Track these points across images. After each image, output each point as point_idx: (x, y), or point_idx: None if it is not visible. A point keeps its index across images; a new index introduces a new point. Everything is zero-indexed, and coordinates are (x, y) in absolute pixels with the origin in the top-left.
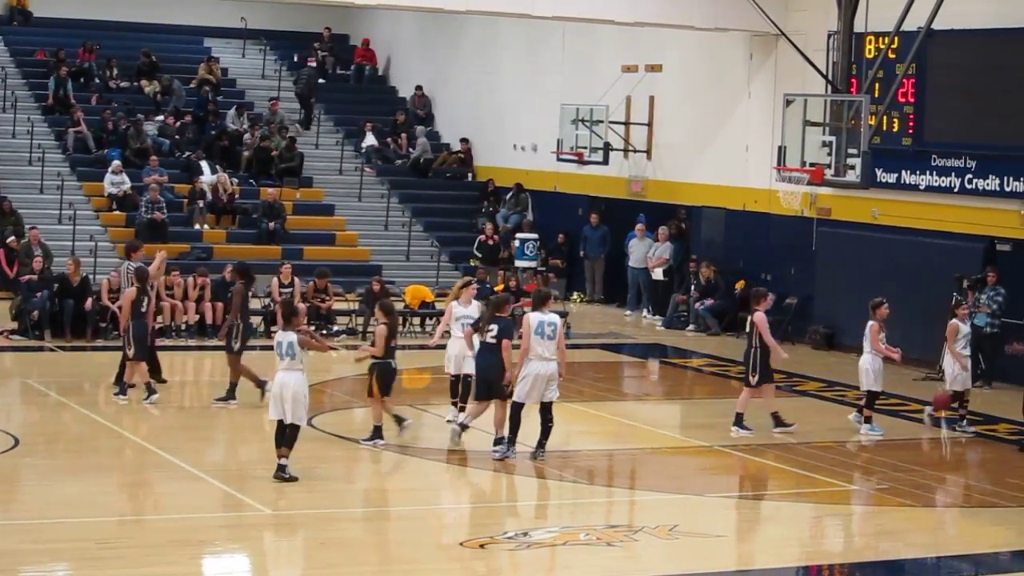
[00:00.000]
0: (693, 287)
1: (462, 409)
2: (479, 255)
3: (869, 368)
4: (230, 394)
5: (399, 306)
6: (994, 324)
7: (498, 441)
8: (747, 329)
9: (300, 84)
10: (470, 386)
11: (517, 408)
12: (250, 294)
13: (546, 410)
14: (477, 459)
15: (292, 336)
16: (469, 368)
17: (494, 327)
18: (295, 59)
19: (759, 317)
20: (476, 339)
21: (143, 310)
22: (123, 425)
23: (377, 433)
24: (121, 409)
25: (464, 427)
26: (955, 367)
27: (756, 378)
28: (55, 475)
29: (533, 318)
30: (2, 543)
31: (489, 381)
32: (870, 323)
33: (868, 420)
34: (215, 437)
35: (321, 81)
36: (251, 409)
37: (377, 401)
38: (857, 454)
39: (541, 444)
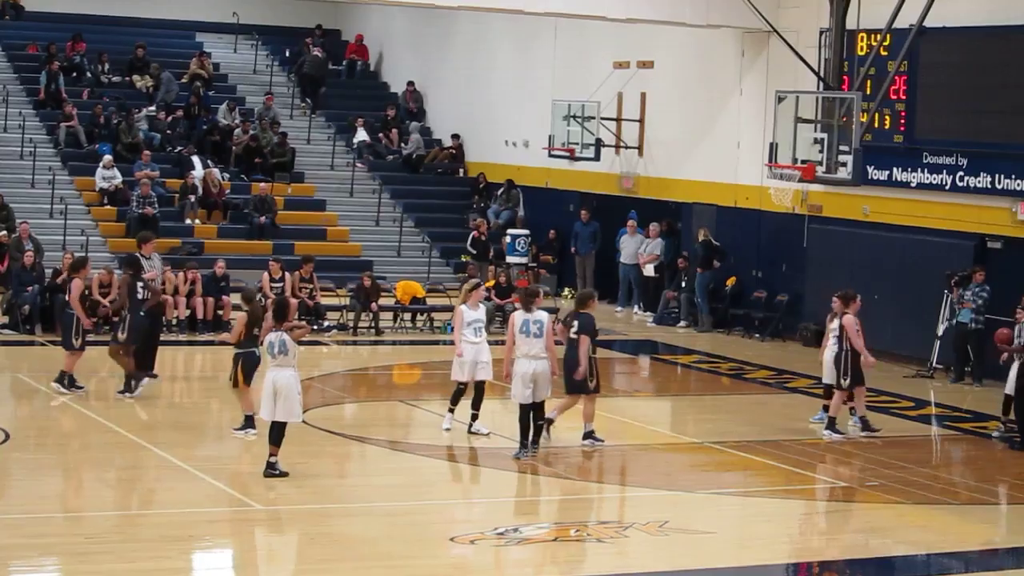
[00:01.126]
0: (687, 256)
1: (475, 417)
2: (473, 251)
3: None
4: (128, 387)
5: (390, 302)
6: (978, 320)
7: (587, 435)
8: (835, 332)
9: (307, 66)
10: (483, 392)
11: (525, 412)
12: (139, 285)
13: (537, 408)
14: (468, 455)
15: (284, 335)
16: (483, 375)
17: (576, 323)
18: (287, 54)
19: (848, 320)
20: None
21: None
22: (113, 420)
23: (248, 423)
24: (111, 403)
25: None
26: None
27: (848, 381)
28: (45, 469)
29: (518, 316)
30: None
31: (570, 374)
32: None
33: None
34: (206, 432)
35: (321, 90)
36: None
37: (243, 390)
38: (847, 451)
39: (535, 442)
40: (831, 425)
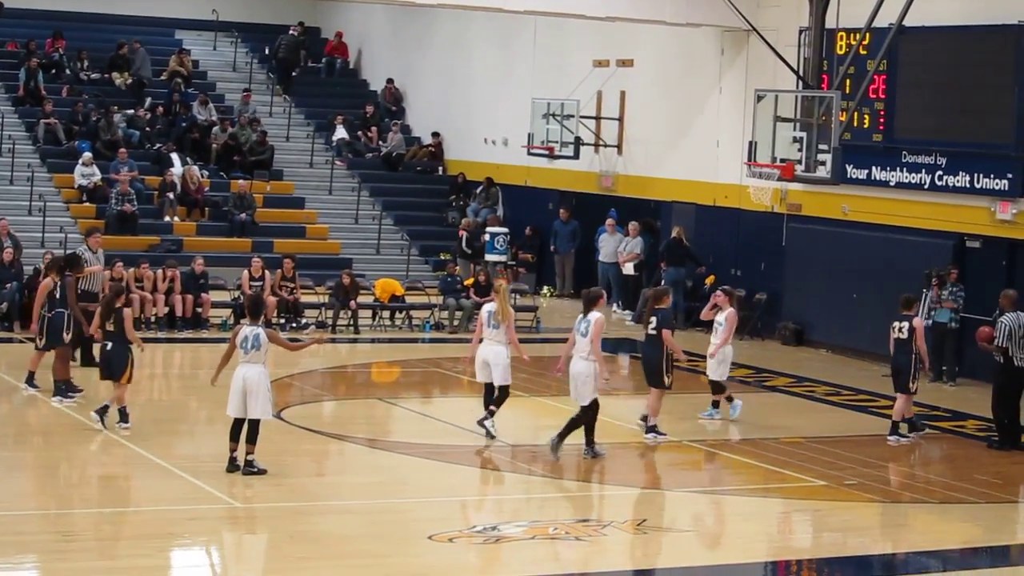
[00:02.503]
0: (661, 249)
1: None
2: (468, 251)
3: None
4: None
5: (369, 300)
6: (955, 320)
7: (650, 429)
8: (903, 335)
9: (283, 50)
10: (494, 392)
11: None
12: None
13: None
14: (445, 453)
15: (259, 329)
16: (492, 377)
17: (653, 319)
18: (266, 52)
19: (920, 323)
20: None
21: (58, 297)
22: (91, 417)
23: (122, 416)
24: (89, 401)
25: (645, 419)
26: None
27: (915, 385)
28: (23, 467)
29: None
30: None
31: (652, 371)
32: (730, 311)
33: (716, 405)
34: (184, 430)
35: (293, 74)
36: (220, 401)
37: (123, 384)
38: (825, 450)
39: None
40: (895, 430)
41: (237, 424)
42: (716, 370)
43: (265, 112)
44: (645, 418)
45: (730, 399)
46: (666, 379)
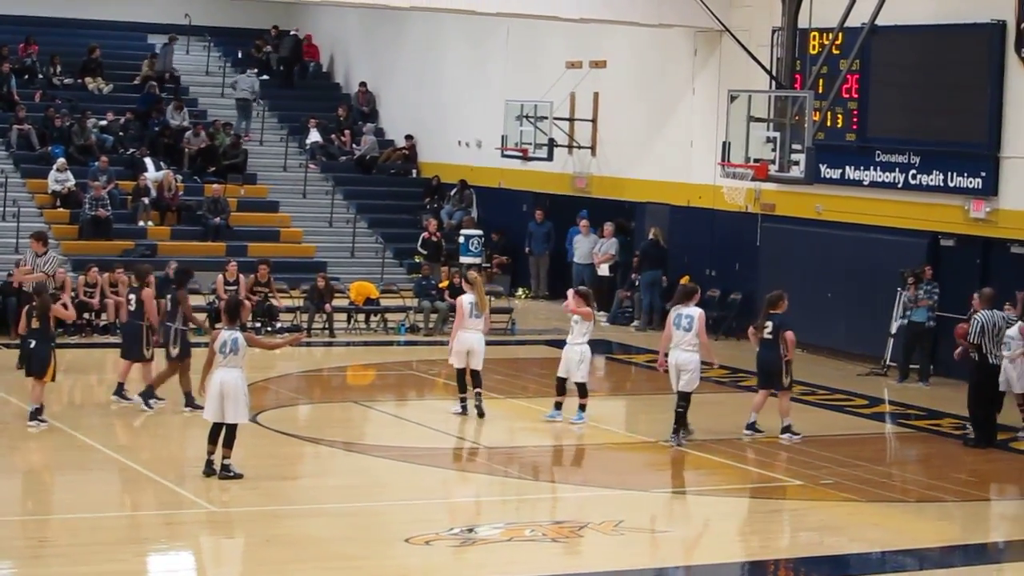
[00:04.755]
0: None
1: (464, 400)
2: (423, 252)
3: (586, 359)
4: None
5: (344, 303)
6: (931, 319)
7: (785, 429)
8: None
9: (283, 50)
10: (479, 376)
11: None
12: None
13: (681, 397)
14: (421, 455)
15: (236, 333)
16: (472, 363)
17: (769, 324)
18: (239, 55)
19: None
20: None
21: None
22: (66, 422)
23: (37, 413)
24: (64, 406)
25: (752, 425)
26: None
27: (789, 380)
28: None
29: (466, 300)
30: None
31: (769, 373)
32: (585, 309)
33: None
34: (159, 434)
35: (264, 77)
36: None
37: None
38: (801, 449)
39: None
40: None
41: (215, 428)
42: (579, 371)
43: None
44: (752, 425)
45: (583, 407)
46: (786, 379)
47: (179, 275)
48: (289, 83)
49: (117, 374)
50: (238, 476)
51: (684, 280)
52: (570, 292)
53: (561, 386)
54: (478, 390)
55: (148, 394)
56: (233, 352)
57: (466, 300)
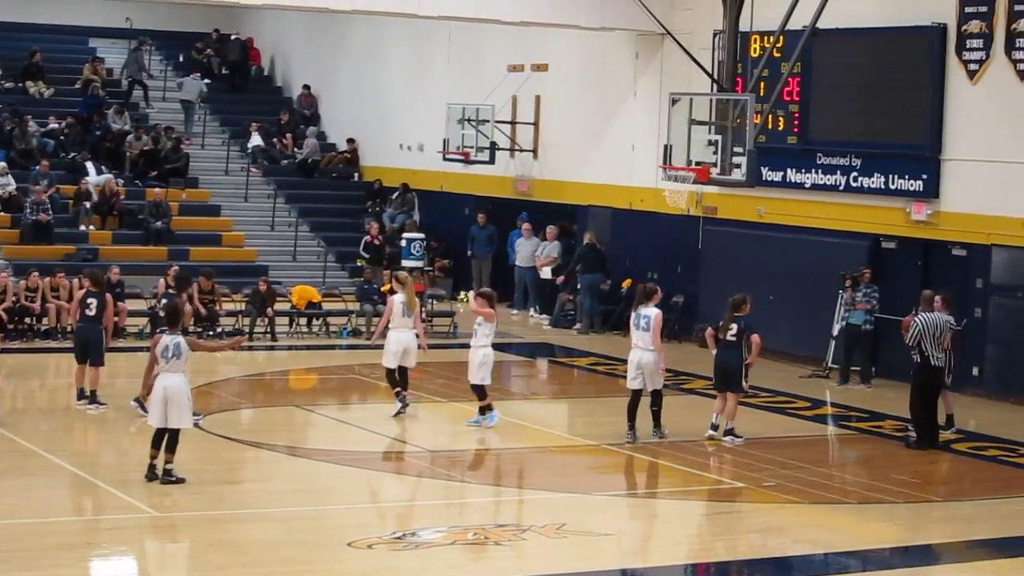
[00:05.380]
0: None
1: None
2: (366, 255)
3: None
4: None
5: (286, 307)
6: (870, 321)
7: (728, 432)
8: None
9: (233, 53)
10: (407, 376)
11: (634, 397)
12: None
13: (653, 397)
14: (364, 459)
15: (179, 337)
16: (406, 361)
17: (734, 326)
18: (180, 59)
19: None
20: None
21: None
22: (7, 427)
23: None
24: (5, 410)
25: (727, 428)
26: None
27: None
28: None
29: (396, 300)
30: None
31: (728, 375)
32: (488, 311)
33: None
34: (100, 439)
35: (207, 81)
36: (138, 411)
37: None
38: (744, 452)
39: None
40: None
41: (159, 433)
42: (478, 374)
43: (179, 120)
44: (731, 431)
45: (490, 408)
46: (744, 384)
47: (179, 281)
48: (238, 87)
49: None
50: (180, 481)
51: (626, 284)
52: (471, 294)
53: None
54: (405, 392)
55: (90, 396)
56: (176, 356)
57: (397, 300)
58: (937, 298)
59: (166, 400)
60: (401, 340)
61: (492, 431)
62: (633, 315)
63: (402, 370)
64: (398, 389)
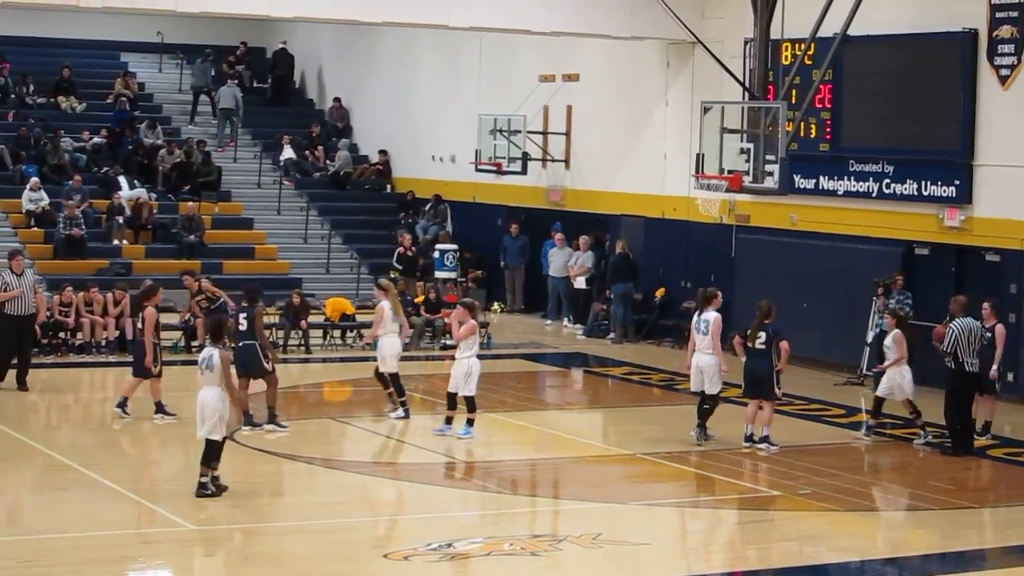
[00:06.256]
0: (605, 268)
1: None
2: (399, 267)
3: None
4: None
5: (319, 319)
6: None
7: (764, 439)
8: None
9: (278, 67)
10: (399, 380)
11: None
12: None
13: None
14: (399, 471)
15: (214, 351)
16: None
17: (763, 334)
18: (212, 73)
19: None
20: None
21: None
22: (43, 442)
23: None
24: (40, 425)
25: (762, 435)
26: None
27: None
28: None
29: (385, 307)
30: None
31: (759, 382)
32: (471, 323)
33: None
34: (136, 453)
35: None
36: (171, 425)
37: None
38: (779, 459)
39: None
40: None
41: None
42: (466, 386)
43: (212, 133)
44: (766, 438)
45: (449, 420)
46: (777, 391)
47: (252, 293)
48: (278, 99)
49: (122, 390)
50: (214, 494)
51: (659, 293)
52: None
53: (451, 401)
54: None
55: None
56: (209, 369)
57: (386, 307)
58: (986, 305)
59: (203, 414)
60: (395, 344)
61: (529, 441)
62: (694, 319)
63: (393, 376)
64: (403, 399)
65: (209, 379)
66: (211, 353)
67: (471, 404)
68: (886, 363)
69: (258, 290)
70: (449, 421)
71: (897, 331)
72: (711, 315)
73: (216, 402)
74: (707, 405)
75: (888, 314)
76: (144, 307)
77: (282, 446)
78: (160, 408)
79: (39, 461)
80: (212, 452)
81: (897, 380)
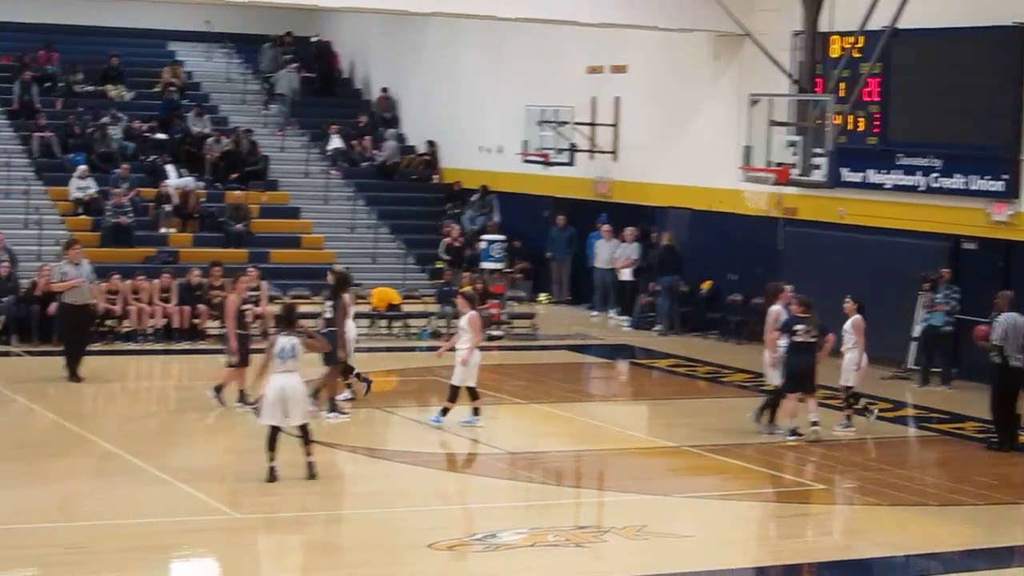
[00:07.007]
0: (652, 258)
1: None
2: (446, 258)
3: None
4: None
5: (366, 309)
6: (950, 323)
7: (795, 430)
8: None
9: (265, 61)
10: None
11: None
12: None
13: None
14: (443, 461)
15: (294, 339)
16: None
17: (809, 327)
18: (260, 63)
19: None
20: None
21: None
22: (89, 429)
23: None
24: (87, 413)
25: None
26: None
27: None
28: (22, 480)
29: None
30: None
31: (803, 377)
32: (472, 314)
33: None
34: (182, 441)
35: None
36: (216, 412)
37: None
38: (824, 453)
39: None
40: None
41: (274, 434)
42: (458, 375)
43: (260, 123)
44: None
45: (476, 411)
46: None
47: (341, 280)
48: (324, 89)
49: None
50: (315, 476)
51: (705, 285)
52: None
53: (471, 393)
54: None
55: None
56: (292, 357)
57: (347, 297)
58: None
59: (284, 399)
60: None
61: (575, 432)
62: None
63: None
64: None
65: (291, 366)
66: (292, 341)
67: (453, 394)
68: (844, 347)
69: (346, 278)
70: (476, 412)
71: (858, 316)
72: (773, 308)
73: (302, 387)
74: (770, 396)
75: (849, 298)
76: (226, 296)
77: (327, 435)
78: (242, 398)
79: (85, 449)
80: (309, 434)
81: (844, 363)
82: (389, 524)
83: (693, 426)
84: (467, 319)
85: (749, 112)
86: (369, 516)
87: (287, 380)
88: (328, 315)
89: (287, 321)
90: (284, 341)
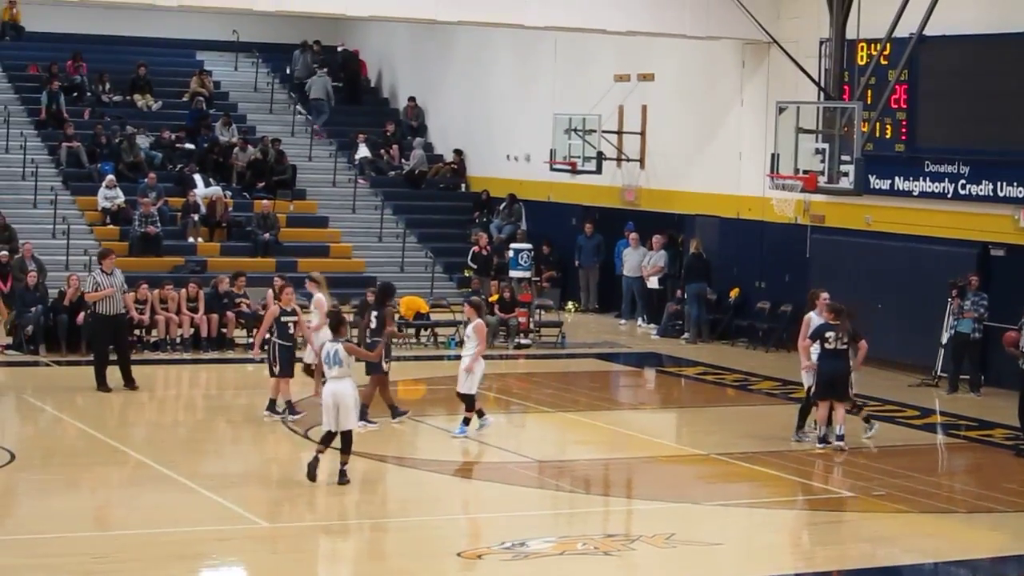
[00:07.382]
0: (681, 265)
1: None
2: (473, 266)
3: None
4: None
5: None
6: (979, 329)
7: (839, 436)
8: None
9: (299, 68)
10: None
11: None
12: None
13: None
14: (472, 469)
15: (337, 345)
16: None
17: (843, 334)
18: (287, 72)
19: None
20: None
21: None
22: (118, 439)
23: None
24: (116, 422)
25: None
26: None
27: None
28: (51, 489)
29: (321, 298)
30: None
31: (836, 384)
32: (477, 322)
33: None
34: (211, 450)
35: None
36: (246, 421)
37: None
38: (853, 460)
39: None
40: None
41: (329, 435)
42: (466, 383)
43: (287, 132)
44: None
45: (481, 414)
46: (851, 391)
47: (383, 292)
48: (354, 98)
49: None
50: (347, 481)
51: (733, 293)
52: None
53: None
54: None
55: (290, 408)
56: (337, 364)
57: (324, 299)
58: None
59: (336, 405)
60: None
61: (603, 440)
62: None
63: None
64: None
65: (338, 372)
66: (335, 347)
67: (470, 402)
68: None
69: (390, 289)
70: (480, 415)
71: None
72: (806, 316)
73: (353, 392)
74: (804, 405)
75: (828, 308)
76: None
77: (356, 444)
78: (290, 407)
79: (114, 458)
80: (351, 442)
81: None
82: (418, 532)
83: (722, 434)
84: (473, 327)
85: (776, 119)
86: (397, 524)
87: (336, 386)
88: (373, 326)
89: (333, 327)
90: (329, 347)
